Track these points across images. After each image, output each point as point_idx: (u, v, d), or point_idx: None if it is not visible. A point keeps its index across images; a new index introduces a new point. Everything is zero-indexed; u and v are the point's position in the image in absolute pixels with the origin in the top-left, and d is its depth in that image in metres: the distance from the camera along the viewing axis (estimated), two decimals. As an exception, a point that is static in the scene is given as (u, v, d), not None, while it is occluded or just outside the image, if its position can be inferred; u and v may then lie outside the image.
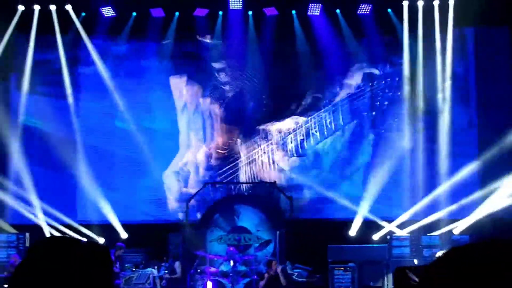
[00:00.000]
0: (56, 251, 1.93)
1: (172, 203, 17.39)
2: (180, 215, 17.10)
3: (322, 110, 17.71)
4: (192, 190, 17.21)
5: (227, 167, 17.58)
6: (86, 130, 17.30)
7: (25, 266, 1.92)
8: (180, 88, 17.75)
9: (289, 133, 17.63)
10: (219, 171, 17.59)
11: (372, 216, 16.68)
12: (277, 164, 17.57)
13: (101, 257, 1.97)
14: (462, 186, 16.44)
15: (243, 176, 17.59)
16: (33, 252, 1.95)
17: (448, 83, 17.15)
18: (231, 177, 17.58)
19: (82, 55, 17.57)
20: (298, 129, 17.65)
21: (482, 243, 1.59)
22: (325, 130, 17.66)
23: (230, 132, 17.75)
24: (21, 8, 16.97)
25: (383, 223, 16.66)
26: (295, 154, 17.61)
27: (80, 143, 17.10)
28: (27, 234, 15.89)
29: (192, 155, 17.59)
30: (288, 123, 17.67)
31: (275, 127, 17.68)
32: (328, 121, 17.67)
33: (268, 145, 17.64)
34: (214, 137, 17.72)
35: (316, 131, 17.65)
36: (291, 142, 17.61)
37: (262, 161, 17.61)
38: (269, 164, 17.60)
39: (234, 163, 17.62)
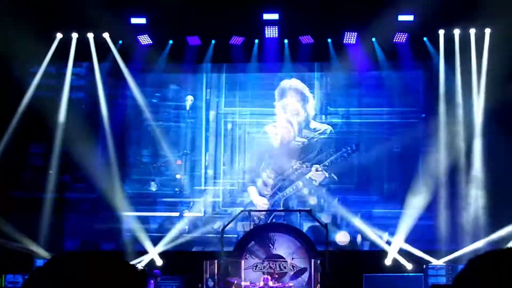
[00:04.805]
0: (79, 269, 1.68)
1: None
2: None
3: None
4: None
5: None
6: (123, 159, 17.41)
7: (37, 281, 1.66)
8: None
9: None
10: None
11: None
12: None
13: (135, 281, 1.75)
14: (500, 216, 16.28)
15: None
16: (50, 267, 1.69)
17: (481, 110, 16.98)
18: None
19: (118, 82, 17.70)
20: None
21: (492, 252, 1.76)
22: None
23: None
24: (59, 36, 17.19)
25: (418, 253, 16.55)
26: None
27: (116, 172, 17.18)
28: (64, 260, 15.86)
29: None
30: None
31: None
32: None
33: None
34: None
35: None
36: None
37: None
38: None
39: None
